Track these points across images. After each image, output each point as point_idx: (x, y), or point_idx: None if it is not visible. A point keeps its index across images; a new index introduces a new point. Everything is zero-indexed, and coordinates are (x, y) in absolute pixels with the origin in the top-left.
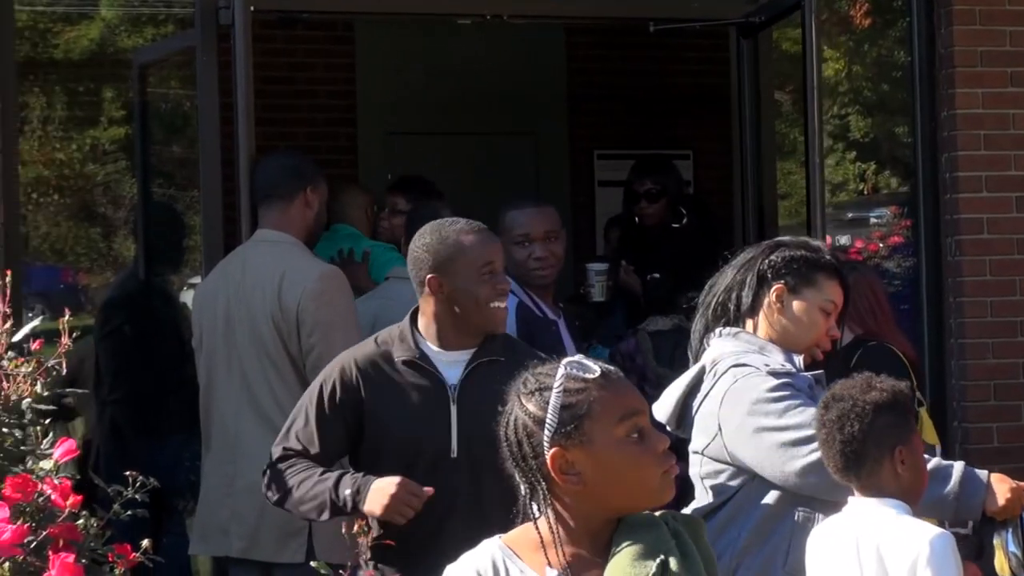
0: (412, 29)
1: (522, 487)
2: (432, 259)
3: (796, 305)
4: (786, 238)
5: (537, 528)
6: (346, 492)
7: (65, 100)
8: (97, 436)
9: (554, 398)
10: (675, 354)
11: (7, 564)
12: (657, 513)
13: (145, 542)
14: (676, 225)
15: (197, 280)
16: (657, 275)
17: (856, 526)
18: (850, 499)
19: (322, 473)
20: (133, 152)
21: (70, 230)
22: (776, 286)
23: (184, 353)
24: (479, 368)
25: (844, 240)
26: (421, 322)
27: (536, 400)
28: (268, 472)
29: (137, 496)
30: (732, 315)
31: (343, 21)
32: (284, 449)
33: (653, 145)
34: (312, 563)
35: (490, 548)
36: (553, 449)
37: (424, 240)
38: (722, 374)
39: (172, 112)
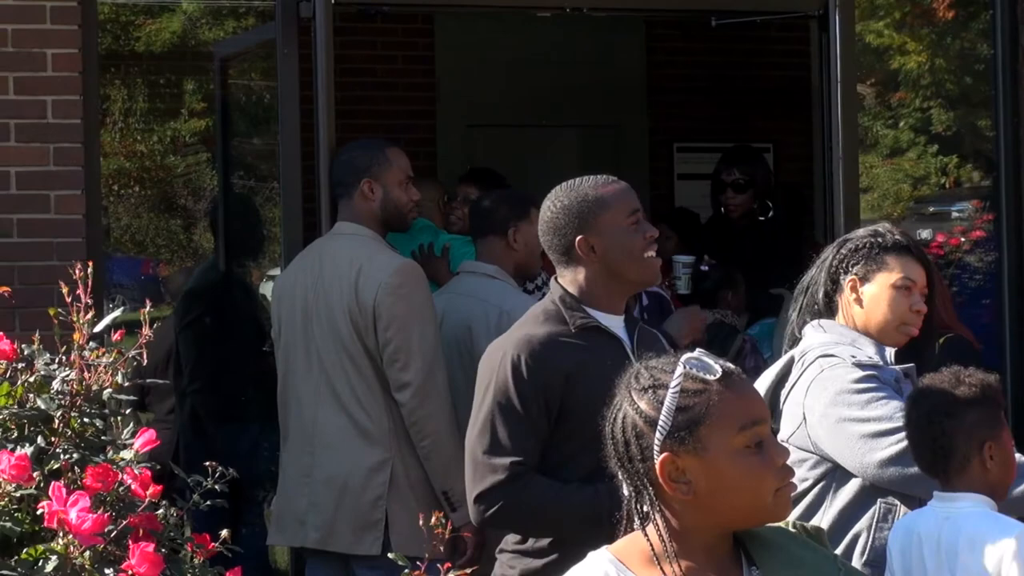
0: (492, 22)
1: (626, 489)
2: (576, 221)
3: (871, 292)
4: (854, 232)
5: (647, 538)
6: None
7: (146, 92)
8: (176, 426)
9: (669, 398)
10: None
11: (88, 553)
12: (788, 526)
13: (224, 532)
14: (762, 218)
15: (276, 272)
16: (706, 267)
17: (941, 521)
18: (935, 493)
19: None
20: (213, 144)
21: (150, 222)
22: (848, 280)
23: (263, 344)
24: (641, 330)
25: (925, 234)
26: (571, 292)
27: (649, 398)
28: (504, 507)
29: (216, 486)
30: (816, 311)
31: (423, 14)
32: (511, 469)
33: (733, 138)
34: (389, 555)
35: (600, 562)
36: (663, 455)
37: (561, 204)
38: (809, 364)
39: (252, 104)
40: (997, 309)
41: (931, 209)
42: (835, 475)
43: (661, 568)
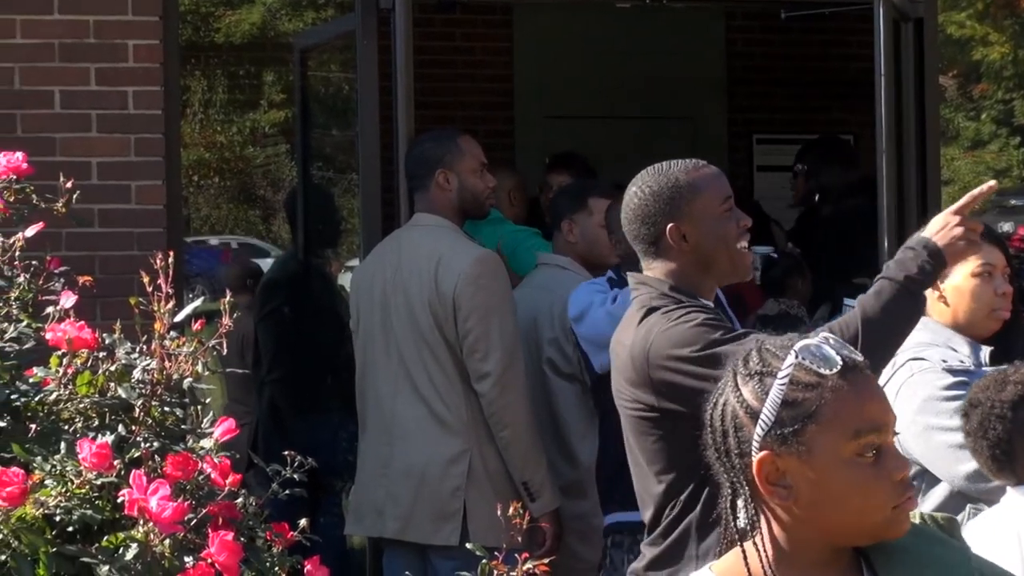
0: (570, 13)
1: (724, 485)
2: (667, 207)
3: (953, 285)
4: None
5: (744, 557)
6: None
7: (226, 84)
8: (255, 415)
9: (775, 389)
10: None
11: (168, 541)
12: (915, 517)
13: (302, 521)
14: (820, 206)
15: (355, 263)
16: (776, 254)
17: (1015, 518)
18: (1008, 490)
19: None
20: (293, 135)
21: (230, 212)
22: None
23: (341, 335)
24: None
25: (1007, 227)
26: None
27: (754, 386)
28: None
29: (295, 476)
30: None
31: (501, 5)
32: None
33: (813, 129)
34: (467, 545)
35: None
36: (762, 452)
37: (649, 190)
38: (900, 366)
39: (332, 96)
40: None
41: (1012, 202)
42: (923, 478)
43: None
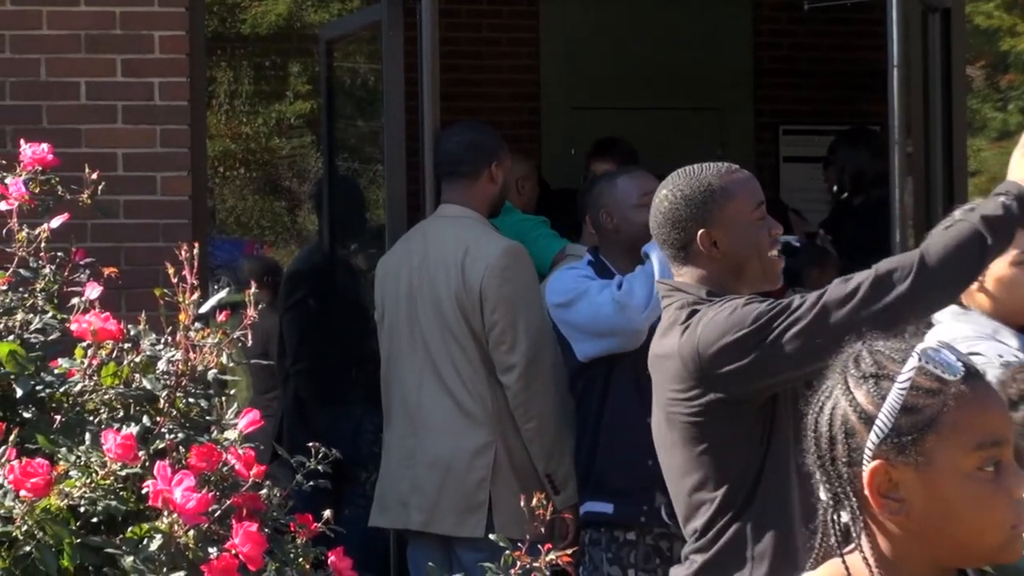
0: (596, 3)
1: (823, 494)
2: (699, 212)
3: (991, 276)
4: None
5: (846, 568)
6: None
7: (252, 75)
8: (280, 407)
9: (895, 394)
10: None
11: (192, 532)
12: None
13: (326, 513)
14: (842, 198)
15: (380, 254)
16: (799, 243)
17: None
18: None
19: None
20: (318, 127)
21: (255, 203)
22: None
23: (366, 326)
24: None
25: None
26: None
27: (869, 389)
28: None
29: (319, 467)
30: None
31: None
32: None
33: (841, 120)
34: (491, 536)
35: None
36: (876, 461)
37: (681, 193)
38: None
39: (358, 87)
40: None
41: None
42: None
43: None
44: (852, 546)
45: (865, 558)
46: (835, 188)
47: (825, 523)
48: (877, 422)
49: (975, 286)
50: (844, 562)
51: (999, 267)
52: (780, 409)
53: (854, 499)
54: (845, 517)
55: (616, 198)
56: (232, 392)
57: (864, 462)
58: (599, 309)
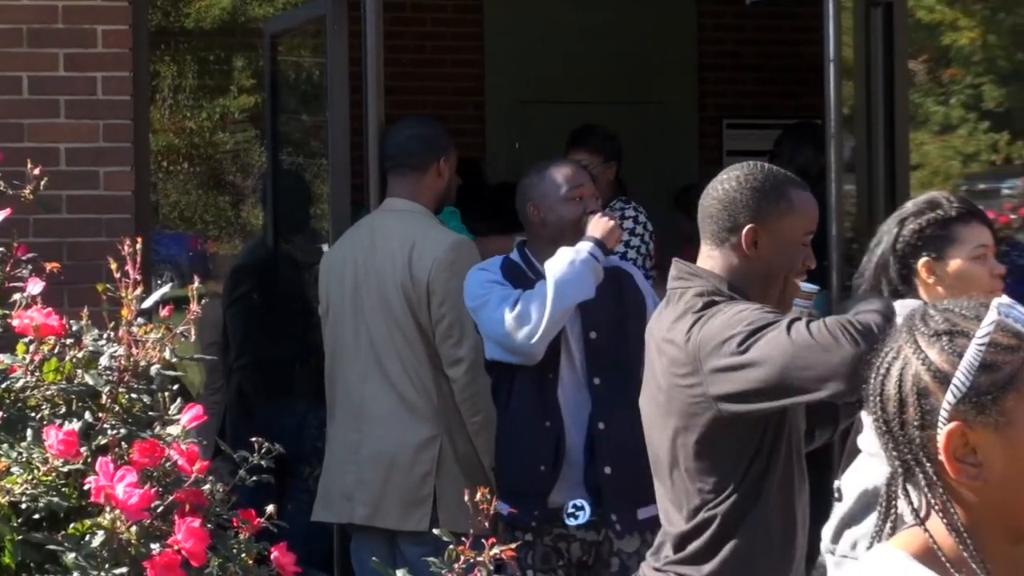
0: None
1: (890, 462)
2: (757, 207)
3: (950, 270)
4: (908, 205)
5: (932, 539)
6: None
7: (196, 69)
8: (223, 402)
9: (972, 351)
10: None
11: (134, 528)
12: None
13: (269, 508)
14: None
15: (324, 248)
16: None
17: None
18: None
19: None
20: (262, 121)
21: (199, 198)
22: (921, 262)
23: (311, 321)
24: None
25: None
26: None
27: (943, 347)
28: None
29: (263, 462)
30: (890, 295)
31: None
32: None
33: (784, 115)
34: (435, 530)
35: (902, 564)
36: (952, 423)
37: (752, 183)
38: None
39: (302, 81)
40: None
41: (981, 186)
42: None
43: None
44: (920, 517)
45: (951, 524)
46: None
47: (890, 494)
48: (954, 381)
49: (931, 279)
50: (927, 530)
51: (957, 262)
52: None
53: (927, 465)
54: (924, 484)
55: (544, 191)
56: (175, 387)
57: (939, 424)
58: (495, 326)
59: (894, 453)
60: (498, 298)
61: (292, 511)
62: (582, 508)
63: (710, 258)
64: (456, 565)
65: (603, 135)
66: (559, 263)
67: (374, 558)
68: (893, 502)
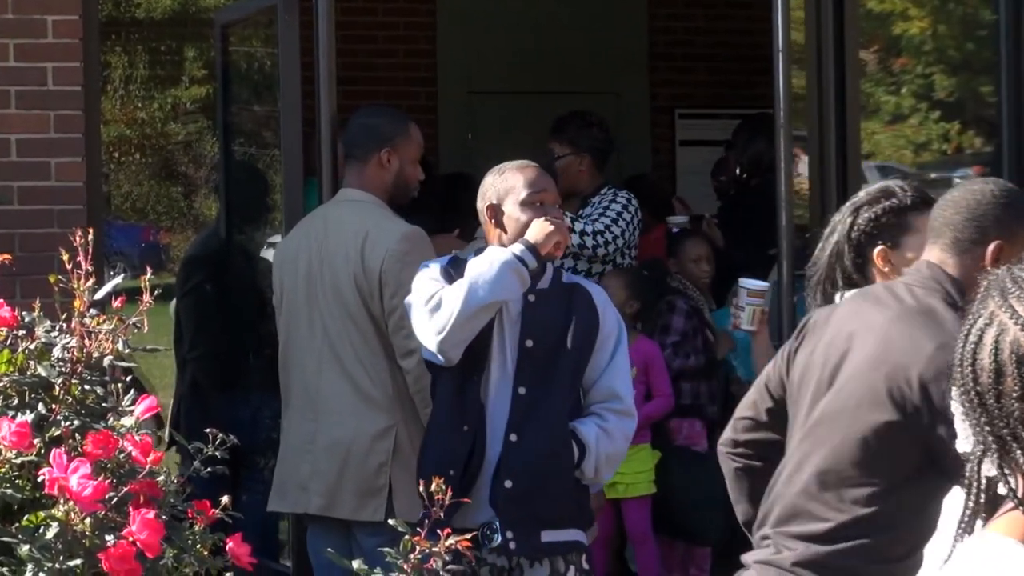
0: None
1: (981, 439)
2: (1010, 225)
3: (906, 258)
4: (861, 194)
5: None
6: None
7: (147, 59)
8: (177, 393)
9: None
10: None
11: (88, 519)
12: None
13: (224, 499)
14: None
15: (277, 239)
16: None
17: None
18: None
19: None
20: (214, 111)
21: (151, 188)
22: (877, 251)
23: (264, 311)
24: None
25: None
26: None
27: None
28: None
29: (217, 453)
30: (844, 285)
31: None
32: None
33: (737, 104)
34: (391, 521)
35: (1012, 552)
36: None
37: (1007, 198)
38: None
39: (253, 72)
40: None
41: (933, 175)
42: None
43: None
44: (1019, 498)
45: None
46: (736, 171)
47: (978, 474)
48: None
49: (886, 268)
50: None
51: (911, 251)
52: None
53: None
54: (1011, 467)
55: (502, 193)
56: (128, 378)
57: None
58: (415, 325)
59: (987, 428)
60: (425, 295)
61: (247, 502)
62: (496, 531)
63: (947, 263)
64: (411, 556)
65: (580, 124)
66: (479, 262)
67: (330, 548)
68: (982, 482)
